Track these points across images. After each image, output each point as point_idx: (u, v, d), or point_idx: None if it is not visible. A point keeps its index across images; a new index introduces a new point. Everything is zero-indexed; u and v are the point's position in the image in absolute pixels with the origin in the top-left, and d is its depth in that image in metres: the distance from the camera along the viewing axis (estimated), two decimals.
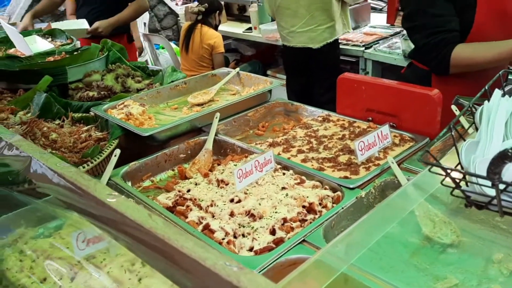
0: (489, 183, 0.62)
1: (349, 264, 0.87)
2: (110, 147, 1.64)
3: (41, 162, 0.71)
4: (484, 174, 0.64)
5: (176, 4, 6.96)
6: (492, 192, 0.64)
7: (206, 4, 4.32)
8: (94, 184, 0.64)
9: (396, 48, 3.25)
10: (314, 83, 3.47)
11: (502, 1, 1.74)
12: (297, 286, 0.72)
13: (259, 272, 1.05)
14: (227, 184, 1.42)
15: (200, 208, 1.33)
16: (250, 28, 4.60)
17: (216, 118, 1.80)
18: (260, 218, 1.25)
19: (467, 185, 0.70)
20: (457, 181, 0.69)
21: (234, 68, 2.51)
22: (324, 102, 2.99)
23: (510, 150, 0.54)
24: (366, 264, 1.00)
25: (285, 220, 1.23)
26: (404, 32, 3.07)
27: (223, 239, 1.19)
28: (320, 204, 1.30)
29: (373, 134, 1.49)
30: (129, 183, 1.55)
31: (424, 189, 1.08)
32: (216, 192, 1.39)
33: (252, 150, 1.65)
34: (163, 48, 5.51)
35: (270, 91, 2.07)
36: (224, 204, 1.32)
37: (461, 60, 1.72)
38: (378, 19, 3.98)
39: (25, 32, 2.94)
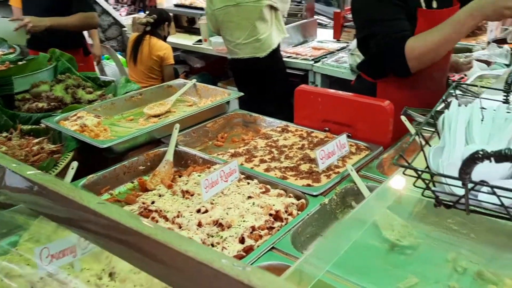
0: (459, 183, 0.68)
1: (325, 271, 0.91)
2: (65, 160, 1.58)
3: (15, 172, 0.68)
4: (452, 175, 0.69)
5: (120, 14, 6.83)
6: (460, 191, 0.70)
7: (154, 15, 4.28)
8: (79, 192, 0.62)
9: (343, 62, 3.40)
10: (264, 92, 3.54)
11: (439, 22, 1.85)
12: None
13: None
14: (192, 195, 1.42)
15: (166, 219, 1.32)
16: (200, 40, 4.61)
17: (176, 129, 1.79)
18: (228, 227, 1.25)
19: (434, 186, 0.76)
20: (426, 182, 0.75)
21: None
22: (273, 111, 3.05)
23: (480, 152, 0.60)
24: (335, 268, 1.05)
25: (253, 228, 1.24)
26: (351, 47, 3.22)
27: None
28: (286, 211, 1.33)
29: (332, 143, 1.55)
30: None
31: (387, 198, 1.15)
32: (182, 203, 1.38)
33: (214, 160, 1.65)
34: (108, 58, 5.37)
35: (228, 102, 2.09)
36: (191, 215, 1.31)
37: (414, 51, 1.71)
38: (325, 35, 4.14)
39: None
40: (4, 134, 1.77)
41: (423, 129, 1.80)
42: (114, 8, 7.01)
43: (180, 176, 1.63)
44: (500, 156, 0.58)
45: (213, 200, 1.38)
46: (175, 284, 0.51)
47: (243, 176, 1.52)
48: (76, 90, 2.22)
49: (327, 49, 3.70)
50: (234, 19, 3.36)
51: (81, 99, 2.19)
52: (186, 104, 2.25)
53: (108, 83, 2.42)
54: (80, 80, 2.30)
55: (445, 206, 0.78)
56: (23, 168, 0.71)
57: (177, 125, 1.80)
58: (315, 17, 4.29)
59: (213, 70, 5.04)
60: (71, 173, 1.46)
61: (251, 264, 1.12)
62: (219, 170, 1.37)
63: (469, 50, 2.93)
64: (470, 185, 0.66)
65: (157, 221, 1.31)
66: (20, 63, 2.36)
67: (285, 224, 1.28)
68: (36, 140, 1.73)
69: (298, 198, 1.41)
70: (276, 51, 3.44)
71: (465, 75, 2.88)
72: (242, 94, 2.13)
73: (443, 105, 1.08)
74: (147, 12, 4.50)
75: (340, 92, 1.86)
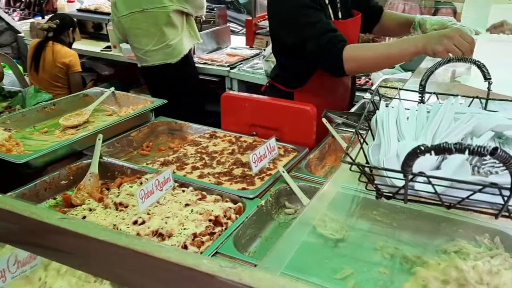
0: (400, 175, 0.75)
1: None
2: None
3: None
4: (393, 169, 0.77)
5: (13, 18, 6.28)
6: (400, 183, 0.78)
7: (57, 21, 4.01)
8: (36, 209, 0.58)
9: (258, 68, 3.50)
10: (179, 99, 3.50)
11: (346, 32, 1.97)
12: None
13: None
14: (126, 207, 1.37)
15: None
16: (108, 47, 4.42)
17: (99, 140, 1.71)
18: (169, 237, 1.23)
19: (373, 179, 0.84)
20: (368, 175, 0.82)
21: (91, 87, 2.41)
22: (190, 118, 3.04)
23: (422, 147, 0.67)
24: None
25: (195, 235, 1.24)
26: (265, 53, 3.32)
27: None
28: (224, 216, 1.34)
29: (263, 147, 1.60)
30: None
31: (326, 199, 1.24)
32: (117, 216, 1.32)
33: (144, 170, 1.61)
34: (4, 67, 4.90)
35: (152, 110, 2.04)
36: (128, 227, 1.27)
37: (352, 56, 1.76)
38: (238, 41, 4.22)
39: None
40: None
41: (340, 129, 1.93)
42: (6, 12, 6.44)
43: (108, 189, 1.56)
44: (440, 149, 0.66)
45: (149, 210, 1.34)
46: None
47: (177, 184, 1.50)
48: None
49: (242, 56, 3.78)
50: (142, 26, 3.27)
51: None
52: (105, 113, 2.15)
53: (14, 93, 2.23)
54: None
55: (386, 198, 0.85)
56: None
57: (100, 136, 1.72)
58: (228, 24, 4.36)
59: (123, 77, 4.85)
60: None
61: None
62: (154, 179, 1.34)
63: None
64: (410, 177, 0.74)
65: None
66: None
67: (226, 229, 1.30)
68: None
69: (235, 202, 1.43)
70: (188, 56, 3.42)
71: (370, 79, 3.14)
72: (165, 101, 2.10)
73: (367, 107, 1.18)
74: (49, 17, 4.20)
75: (266, 97, 1.92)
